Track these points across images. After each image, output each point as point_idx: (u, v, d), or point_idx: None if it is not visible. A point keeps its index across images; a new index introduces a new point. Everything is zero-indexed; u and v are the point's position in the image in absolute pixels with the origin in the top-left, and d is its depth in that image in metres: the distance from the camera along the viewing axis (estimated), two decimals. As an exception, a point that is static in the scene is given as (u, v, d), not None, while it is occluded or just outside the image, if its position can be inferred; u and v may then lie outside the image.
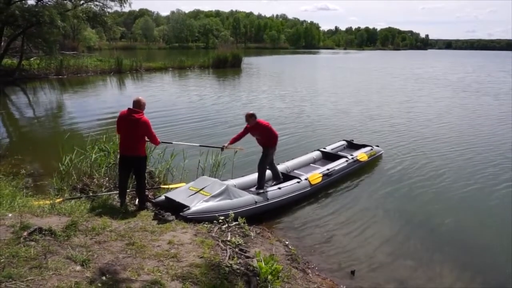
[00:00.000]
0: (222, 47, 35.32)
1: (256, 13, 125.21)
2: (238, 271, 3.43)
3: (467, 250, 4.78)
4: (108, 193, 5.24)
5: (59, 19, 17.61)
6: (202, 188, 5.07)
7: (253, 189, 5.82)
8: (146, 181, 5.29)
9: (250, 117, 5.55)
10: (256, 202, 5.20)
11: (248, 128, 5.65)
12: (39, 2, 19.50)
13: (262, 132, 5.68)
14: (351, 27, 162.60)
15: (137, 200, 5.05)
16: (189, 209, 4.67)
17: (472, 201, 6.23)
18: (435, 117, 12.84)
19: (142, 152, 4.78)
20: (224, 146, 5.76)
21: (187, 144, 6.66)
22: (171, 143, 6.00)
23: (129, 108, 4.69)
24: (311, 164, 7.24)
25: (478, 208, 6.00)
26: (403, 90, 20.34)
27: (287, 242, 4.58)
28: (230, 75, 26.95)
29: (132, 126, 4.64)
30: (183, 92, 17.89)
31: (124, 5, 21.73)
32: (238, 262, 3.64)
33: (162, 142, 5.31)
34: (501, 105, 15.84)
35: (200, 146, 6.44)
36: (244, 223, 4.57)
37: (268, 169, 6.07)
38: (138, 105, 4.71)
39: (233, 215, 4.60)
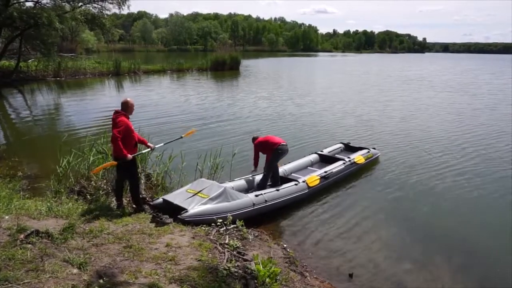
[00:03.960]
0: (221, 49, 35.34)
1: (254, 16, 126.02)
2: (236, 274, 3.42)
3: (466, 252, 4.78)
4: (106, 195, 5.22)
5: (57, 21, 17.60)
6: (200, 191, 5.06)
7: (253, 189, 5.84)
8: (143, 183, 5.27)
9: (252, 141, 6.34)
10: (254, 204, 5.19)
11: (255, 147, 6.26)
12: (38, 4, 19.50)
13: (262, 149, 6.20)
14: (349, 30, 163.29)
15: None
16: (187, 211, 4.65)
17: (471, 203, 6.24)
18: (431, 119, 12.89)
19: (126, 154, 4.60)
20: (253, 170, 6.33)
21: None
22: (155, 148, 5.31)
23: (115, 110, 4.70)
24: (308, 167, 7.25)
25: (477, 210, 6.01)
26: (398, 91, 20.52)
27: (285, 245, 4.58)
28: (229, 77, 27.00)
29: (113, 127, 4.61)
30: (182, 94, 17.90)
31: (123, 7, 21.79)
32: (236, 265, 3.63)
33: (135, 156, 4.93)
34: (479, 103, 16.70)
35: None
36: (242, 225, 4.56)
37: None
38: (124, 106, 4.69)
39: (231, 217, 4.60)
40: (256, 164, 6.27)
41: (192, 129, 6.36)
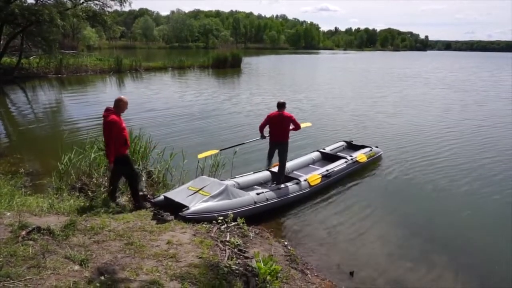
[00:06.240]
0: (222, 47, 35.33)
1: (256, 13, 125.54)
2: (237, 271, 3.43)
3: (466, 251, 4.78)
4: (107, 192, 5.21)
5: (58, 18, 17.60)
6: (201, 188, 5.06)
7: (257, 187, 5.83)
8: (144, 180, 5.27)
9: (281, 106, 5.97)
10: (255, 202, 5.19)
11: (280, 114, 5.96)
12: (39, 1, 19.48)
13: (275, 123, 5.99)
14: (351, 28, 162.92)
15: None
16: (188, 209, 4.66)
17: (472, 202, 6.23)
18: (433, 118, 12.86)
19: (119, 151, 4.60)
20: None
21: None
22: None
23: (106, 107, 4.62)
24: (310, 165, 7.24)
25: (478, 209, 6.00)
26: (401, 89, 20.46)
27: (286, 243, 4.58)
28: (230, 74, 26.96)
29: (104, 126, 4.59)
30: (182, 91, 17.89)
31: (124, 4, 21.81)
32: (237, 262, 3.63)
33: (222, 149, 5.75)
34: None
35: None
36: (243, 223, 4.56)
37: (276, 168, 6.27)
38: (115, 104, 4.62)
39: (232, 215, 4.60)
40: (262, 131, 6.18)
41: None
